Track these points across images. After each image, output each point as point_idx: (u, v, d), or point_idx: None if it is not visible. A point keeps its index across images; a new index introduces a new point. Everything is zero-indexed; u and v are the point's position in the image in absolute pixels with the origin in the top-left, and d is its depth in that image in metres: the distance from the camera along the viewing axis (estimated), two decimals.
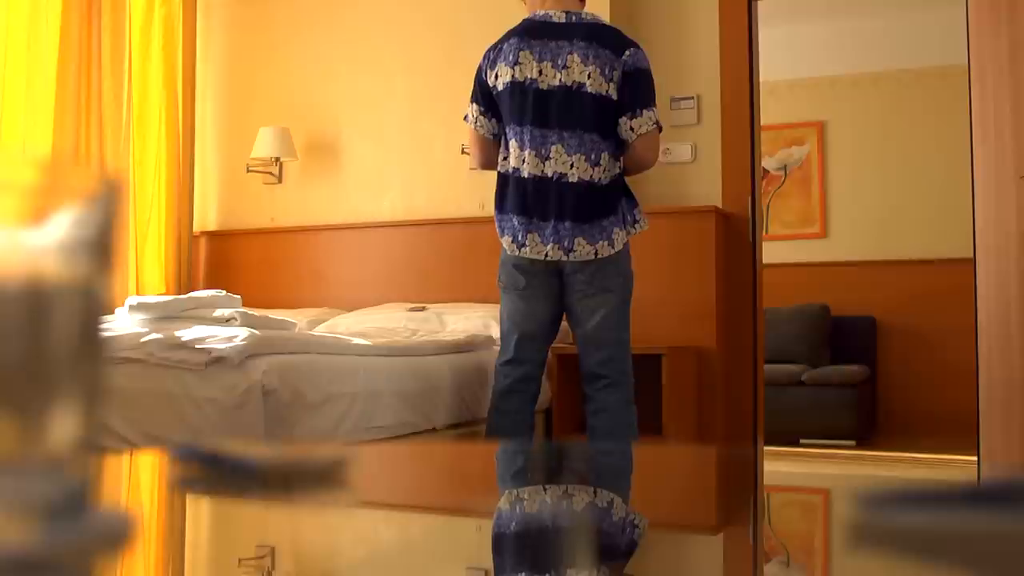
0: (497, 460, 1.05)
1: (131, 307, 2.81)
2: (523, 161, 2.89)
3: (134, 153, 4.47)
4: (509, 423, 2.97)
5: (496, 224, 2.96)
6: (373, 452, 1.30)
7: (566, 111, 2.85)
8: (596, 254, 2.85)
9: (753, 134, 4.16)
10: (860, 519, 0.47)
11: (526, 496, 0.75)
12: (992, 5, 3.60)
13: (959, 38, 3.82)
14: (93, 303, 0.37)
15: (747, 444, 3.98)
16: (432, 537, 0.60)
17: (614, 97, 2.86)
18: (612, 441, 2.83)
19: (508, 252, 2.93)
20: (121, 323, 2.75)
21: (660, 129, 2.93)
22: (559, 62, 2.87)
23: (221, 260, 4.87)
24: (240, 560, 0.52)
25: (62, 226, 0.36)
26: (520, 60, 2.89)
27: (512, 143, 2.92)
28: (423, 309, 4.08)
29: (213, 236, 4.92)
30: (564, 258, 2.85)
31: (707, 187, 4.15)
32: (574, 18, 2.92)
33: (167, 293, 4.40)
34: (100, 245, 0.37)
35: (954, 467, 4.54)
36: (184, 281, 4.62)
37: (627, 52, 2.88)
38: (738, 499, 0.78)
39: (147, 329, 2.62)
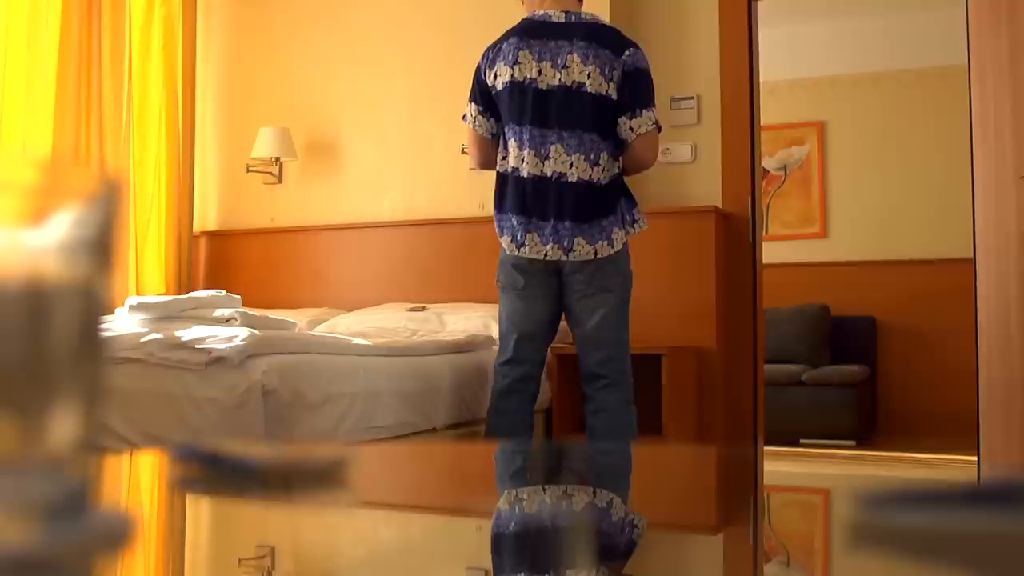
0: (496, 460, 1.05)
1: (131, 307, 2.81)
2: (522, 161, 2.88)
3: (134, 153, 4.47)
4: (508, 423, 2.97)
5: (495, 224, 2.96)
6: (373, 452, 1.30)
7: (565, 111, 2.85)
8: (595, 254, 2.85)
9: (753, 134, 4.16)
10: (860, 519, 0.47)
11: (525, 496, 0.75)
12: (992, 5, 3.60)
13: (959, 38, 3.82)
14: (93, 303, 0.37)
15: (747, 444, 3.98)
16: (432, 537, 0.60)
17: (613, 97, 2.86)
18: (611, 441, 2.82)
19: (507, 252, 2.93)
20: (121, 323, 2.75)
21: (659, 129, 2.93)
22: (559, 62, 2.86)
23: (221, 260, 4.87)
24: (240, 560, 0.52)
25: (62, 226, 0.36)
26: (519, 60, 2.89)
27: (511, 143, 2.92)
28: (423, 309, 4.07)
29: (213, 236, 4.92)
30: (563, 258, 2.85)
31: (707, 187, 4.15)
32: (573, 18, 2.92)
33: (167, 293, 4.40)
34: (100, 245, 0.37)
35: (954, 467, 4.54)
36: (184, 281, 4.62)
37: (627, 52, 2.88)
38: (738, 499, 0.78)
39: (147, 329, 2.62)
